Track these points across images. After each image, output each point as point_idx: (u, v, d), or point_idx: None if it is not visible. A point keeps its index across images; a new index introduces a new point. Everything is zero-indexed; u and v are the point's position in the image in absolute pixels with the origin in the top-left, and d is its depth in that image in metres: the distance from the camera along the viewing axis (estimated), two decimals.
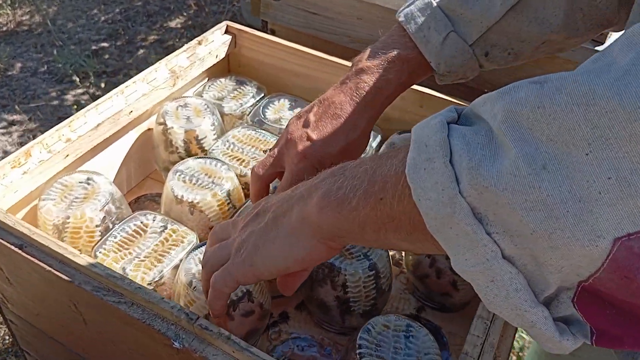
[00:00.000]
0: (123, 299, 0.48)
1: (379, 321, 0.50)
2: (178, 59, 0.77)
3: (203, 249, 0.56)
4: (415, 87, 0.74)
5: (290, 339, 0.61)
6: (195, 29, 2.58)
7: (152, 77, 0.73)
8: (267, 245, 0.40)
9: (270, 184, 0.60)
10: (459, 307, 0.65)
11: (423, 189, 0.29)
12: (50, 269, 0.50)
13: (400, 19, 0.55)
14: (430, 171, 0.29)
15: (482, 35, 0.53)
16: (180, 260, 0.57)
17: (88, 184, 0.63)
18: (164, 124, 0.71)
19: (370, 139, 0.73)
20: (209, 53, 0.80)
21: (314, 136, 0.54)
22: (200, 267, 0.54)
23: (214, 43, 0.82)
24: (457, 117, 0.31)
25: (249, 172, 0.68)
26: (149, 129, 0.76)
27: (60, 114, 2.12)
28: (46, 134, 0.62)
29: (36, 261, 0.51)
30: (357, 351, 0.48)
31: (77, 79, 2.26)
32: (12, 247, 0.52)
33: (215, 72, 0.84)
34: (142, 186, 0.78)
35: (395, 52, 0.54)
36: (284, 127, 0.75)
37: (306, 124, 0.56)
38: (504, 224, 0.27)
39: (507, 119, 0.27)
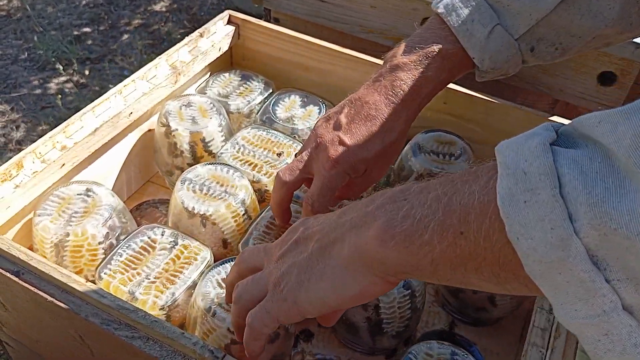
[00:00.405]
0: (137, 333, 0.43)
1: (421, 350, 0.46)
2: (179, 53, 0.70)
3: (220, 269, 0.51)
4: None
5: None
6: (181, 12, 2.49)
7: (152, 74, 0.67)
8: (313, 280, 0.34)
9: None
10: (493, 322, 0.60)
11: (523, 226, 0.24)
12: (51, 298, 0.45)
13: (439, 11, 0.50)
14: (533, 205, 0.24)
15: (529, 28, 0.48)
16: (194, 282, 0.51)
17: (88, 195, 0.57)
18: (167, 125, 0.65)
19: None
20: (212, 46, 0.74)
21: (347, 140, 0.49)
22: (218, 290, 0.49)
23: (217, 35, 0.76)
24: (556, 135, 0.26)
25: (263, 178, 0.63)
26: (150, 130, 0.70)
27: (43, 104, 2.03)
28: (39, 141, 0.56)
29: (35, 290, 0.45)
30: None
31: (60, 66, 2.17)
32: (7, 274, 0.46)
33: (218, 66, 0.78)
34: (143, 192, 0.72)
35: (435, 47, 0.49)
36: (296, 126, 0.70)
37: (337, 127, 0.50)
38: (629, 270, 0.23)
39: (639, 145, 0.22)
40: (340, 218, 0.35)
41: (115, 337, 0.43)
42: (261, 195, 0.63)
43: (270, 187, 0.63)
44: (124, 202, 0.69)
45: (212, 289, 0.49)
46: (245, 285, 0.39)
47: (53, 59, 2.20)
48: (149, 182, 0.74)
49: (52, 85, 2.12)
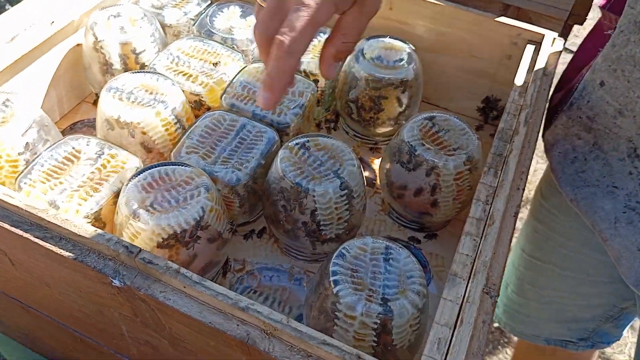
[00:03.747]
0: (49, 233, 0.40)
1: (354, 244, 0.44)
2: None
3: (147, 174, 0.48)
4: None
5: (255, 269, 0.55)
6: None
7: None
8: None
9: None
10: (438, 227, 0.59)
11: None
12: None
13: None
14: None
15: None
16: (120, 189, 0.49)
17: (5, 106, 0.53)
18: (94, 36, 0.61)
19: None
20: None
21: None
22: (143, 194, 0.46)
23: None
24: None
25: (198, 89, 0.60)
26: (78, 45, 0.66)
27: None
28: None
29: None
30: (331, 278, 0.42)
31: None
32: None
33: None
34: (77, 111, 0.69)
35: None
36: (235, 37, 0.66)
37: None
38: None
39: None
40: None
41: (28, 239, 0.40)
42: (198, 107, 0.60)
43: (207, 98, 0.60)
44: (56, 122, 0.66)
45: (138, 193, 0.46)
46: None
47: None
48: (84, 102, 0.70)
49: None
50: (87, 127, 0.67)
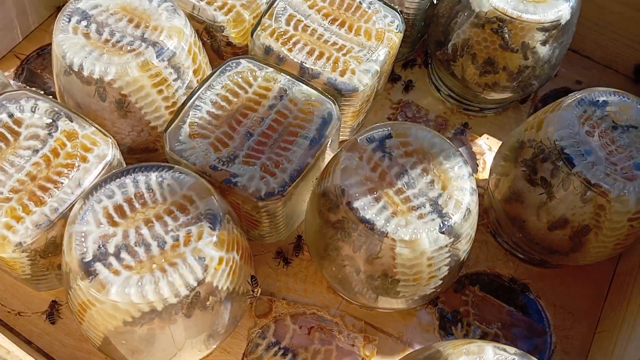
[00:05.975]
0: None
1: None
2: None
3: (115, 187, 0.28)
4: None
5: (289, 317, 0.36)
6: None
7: None
8: None
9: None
10: (560, 265, 0.39)
11: None
12: None
13: None
14: None
15: None
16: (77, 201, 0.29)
17: None
18: None
19: None
20: None
21: None
22: (105, 229, 0.27)
23: None
24: None
25: (218, 16, 0.37)
26: None
27: None
28: None
29: None
30: None
31: None
32: None
33: None
34: (49, 27, 0.48)
35: None
36: None
37: None
38: None
39: None
40: None
41: None
42: (215, 48, 0.39)
43: (231, 33, 0.38)
44: (15, 46, 0.46)
45: (95, 226, 0.27)
46: None
47: None
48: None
49: None
50: None
